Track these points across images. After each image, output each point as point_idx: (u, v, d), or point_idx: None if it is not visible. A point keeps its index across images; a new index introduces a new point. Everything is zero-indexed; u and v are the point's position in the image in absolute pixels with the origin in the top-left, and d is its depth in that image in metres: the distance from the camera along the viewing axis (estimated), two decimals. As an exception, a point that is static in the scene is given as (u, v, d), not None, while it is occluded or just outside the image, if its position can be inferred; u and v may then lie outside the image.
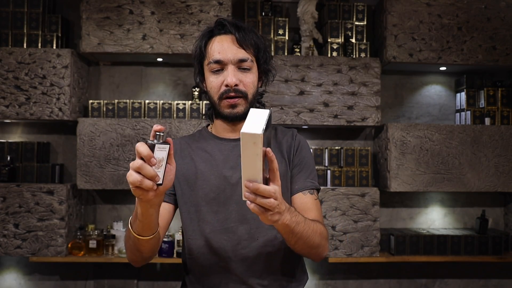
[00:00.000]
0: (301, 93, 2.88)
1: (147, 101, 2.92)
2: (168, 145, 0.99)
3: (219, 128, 1.36)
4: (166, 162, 1.00)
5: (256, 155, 0.90)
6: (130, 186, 0.98)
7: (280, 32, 2.99)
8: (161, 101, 2.92)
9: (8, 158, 2.86)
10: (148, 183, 0.96)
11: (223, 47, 1.26)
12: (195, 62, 1.34)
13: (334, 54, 2.98)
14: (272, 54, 2.95)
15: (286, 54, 2.97)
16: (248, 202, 0.96)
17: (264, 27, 2.98)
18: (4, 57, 2.78)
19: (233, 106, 1.26)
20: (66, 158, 3.09)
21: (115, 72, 3.15)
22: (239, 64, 1.26)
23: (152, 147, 0.95)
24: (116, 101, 2.90)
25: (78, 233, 2.88)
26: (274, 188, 0.95)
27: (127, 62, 3.12)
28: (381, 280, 3.21)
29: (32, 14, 2.88)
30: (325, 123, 2.89)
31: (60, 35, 2.92)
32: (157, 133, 0.97)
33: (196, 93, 2.98)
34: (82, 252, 2.82)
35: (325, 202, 2.86)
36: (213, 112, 1.35)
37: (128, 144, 2.82)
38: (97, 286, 3.09)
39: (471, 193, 3.22)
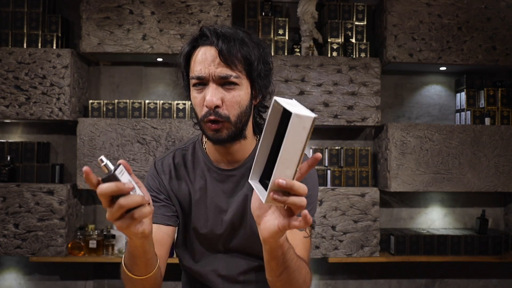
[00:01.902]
0: (301, 93, 2.88)
1: (147, 101, 2.92)
2: (122, 166, 0.83)
3: (211, 149, 1.21)
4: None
5: (300, 142, 0.79)
6: (125, 232, 0.85)
7: (280, 32, 2.99)
8: (161, 101, 2.92)
9: (8, 158, 2.86)
10: (145, 210, 0.83)
11: (205, 62, 1.09)
12: (182, 75, 1.19)
13: (334, 54, 2.98)
14: (272, 54, 2.95)
15: (286, 54, 2.97)
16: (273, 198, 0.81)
17: (264, 27, 2.98)
18: (4, 57, 2.78)
19: (216, 130, 1.10)
20: (66, 158, 3.09)
21: (115, 72, 3.15)
22: (222, 81, 1.09)
23: (113, 177, 0.79)
24: (116, 101, 2.90)
25: (78, 233, 2.88)
26: (305, 188, 0.81)
27: (127, 62, 3.12)
28: (381, 280, 3.21)
29: (32, 14, 2.88)
30: (325, 123, 2.89)
31: (60, 35, 2.92)
32: (102, 164, 0.81)
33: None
34: (82, 252, 2.82)
35: (325, 202, 2.86)
36: (201, 130, 1.20)
37: (128, 144, 2.82)
38: (97, 286, 3.09)
39: (471, 193, 3.22)
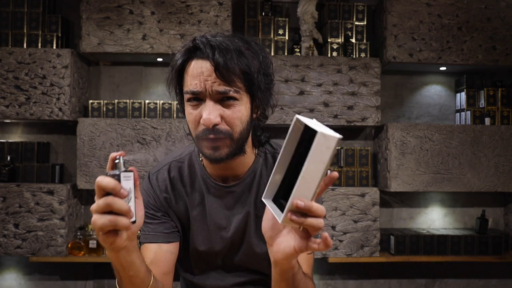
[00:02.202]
0: (301, 93, 2.88)
1: (147, 101, 2.92)
2: (132, 173, 0.83)
3: (211, 166, 1.14)
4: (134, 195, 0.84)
5: (323, 162, 0.77)
6: (99, 234, 0.81)
7: (280, 32, 2.99)
8: (161, 101, 2.92)
9: (8, 158, 2.86)
10: (124, 221, 0.78)
11: (200, 76, 1.00)
12: (174, 89, 1.10)
13: (334, 54, 2.98)
14: (272, 54, 2.95)
15: (286, 54, 2.97)
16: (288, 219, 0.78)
17: (264, 27, 2.98)
18: (4, 57, 2.78)
19: (215, 148, 1.02)
20: (66, 158, 3.09)
21: (115, 72, 3.15)
22: (220, 97, 1.01)
23: (117, 177, 0.79)
24: (116, 101, 2.90)
25: (78, 233, 2.88)
26: (323, 209, 0.80)
27: (127, 62, 3.12)
28: (381, 280, 3.21)
29: (32, 14, 2.88)
30: (325, 123, 2.89)
31: (60, 35, 2.92)
32: (116, 161, 0.80)
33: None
34: (82, 252, 2.82)
35: (325, 202, 2.86)
36: (197, 147, 1.13)
37: (128, 144, 2.82)
38: (97, 286, 3.09)
39: (471, 193, 3.22)
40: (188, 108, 1.05)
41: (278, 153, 1.09)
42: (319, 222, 0.78)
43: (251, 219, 1.14)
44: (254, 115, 1.09)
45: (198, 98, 1.02)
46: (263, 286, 1.22)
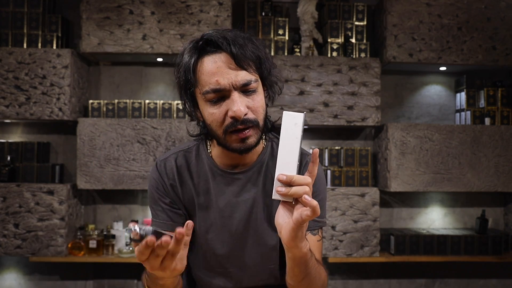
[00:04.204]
0: (301, 93, 2.88)
1: (147, 101, 2.92)
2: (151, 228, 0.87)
3: (219, 153, 1.15)
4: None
5: (295, 138, 0.90)
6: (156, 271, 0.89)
7: (280, 32, 2.99)
8: (161, 101, 2.92)
9: (8, 158, 2.86)
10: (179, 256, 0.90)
11: (219, 71, 1.00)
12: (181, 90, 1.09)
13: (334, 54, 2.98)
14: (272, 54, 2.95)
15: (286, 54, 2.97)
16: (279, 196, 0.90)
17: (264, 27, 2.98)
18: (4, 57, 2.78)
19: (244, 139, 1.04)
20: (66, 158, 3.09)
21: (115, 72, 3.15)
22: (244, 88, 1.02)
23: (148, 232, 0.84)
24: (116, 101, 2.90)
25: (78, 233, 2.88)
26: (308, 178, 0.89)
27: (127, 62, 3.12)
28: (381, 280, 3.21)
29: (32, 14, 2.88)
30: (325, 123, 2.89)
31: (60, 35, 2.92)
32: (134, 232, 0.84)
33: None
34: (82, 252, 2.82)
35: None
36: (218, 143, 1.12)
37: (128, 144, 2.82)
38: (97, 286, 3.09)
39: (471, 193, 3.22)
40: (209, 109, 1.04)
41: None
42: (302, 188, 0.88)
43: (259, 206, 1.15)
44: (267, 101, 1.12)
45: (221, 95, 1.02)
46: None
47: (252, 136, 1.04)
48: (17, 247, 2.77)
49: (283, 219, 0.93)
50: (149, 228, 0.84)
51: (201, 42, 1.03)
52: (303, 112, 0.91)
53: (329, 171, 2.95)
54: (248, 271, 1.17)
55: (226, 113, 1.02)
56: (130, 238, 0.84)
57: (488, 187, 2.92)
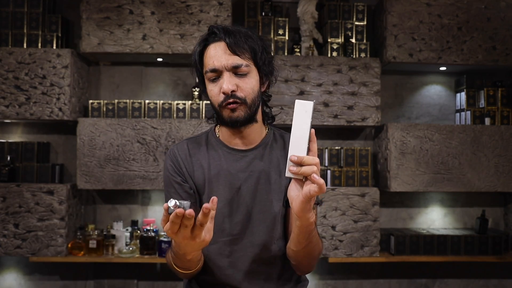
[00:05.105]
0: (301, 93, 2.88)
1: (147, 101, 2.92)
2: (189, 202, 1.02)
3: (226, 134, 1.33)
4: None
5: (305, 123, 1.04)
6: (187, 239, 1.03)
7: (280, 32, 2.99)
8: (161, 101, 2.92)
9: (8, 158, 2.86)
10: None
11: (216, 55, 1.23)
12: (196, 73, 1.33)
13: (334, 54, 2.98)
14: (272, 54, 2.95)
15: (286, 54, 2.97)
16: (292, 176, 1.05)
17: (264, 27, 2.98)
18: (4, 57, 2.78)
19: (233, 110, 1.23)
20: (66, 158, 3.09)
21: (115, 72, 3.15)
22: (235, 70, 1.23)
23: (186, 206, 0.98)
24: (116, 101, 2.90)
25: (78, 233, 2.88)
26: (316, 159, 1.04)
27: (127, 62, 3.12)
28: (381, 280, 3.21)
29: (32, 14, 2.88)
30: (325, 123, 2.89)
31: (60, 35, 2.92)
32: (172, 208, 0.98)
33: (196, 93, 2.98)
34: (82, 252, 2.82)
35: (325, 202, 2.86)
36: (218, 118, 1.33)
37: (128, 144, 2.82)
38: (97, 286, 3.09)
39: (471, 193, 3.22)
40: (209, 86, 1.26)
41: (284, 133, 1.38)
42: (311, 168, 1.03)
43: (264, 179, 1.30)
44: (263, 88, 1.31)
45: (217, 76, 1.24)
46: (275, 259, 1.32)
47: (239, 110, 1.24)
48: (17, 247, 2.77)
49: (295, 193, 1.08)
50: (187, 202, 0.99)
51: (208, 33, 1.28)
52: (312, 101, 1.06)
53: (329, 171, 2.95)
54: (254, 238, 1.29)
55: (220, 90, 1.23)
56: (169, 212, 0.98)
57: (488, 187, 2.92)
